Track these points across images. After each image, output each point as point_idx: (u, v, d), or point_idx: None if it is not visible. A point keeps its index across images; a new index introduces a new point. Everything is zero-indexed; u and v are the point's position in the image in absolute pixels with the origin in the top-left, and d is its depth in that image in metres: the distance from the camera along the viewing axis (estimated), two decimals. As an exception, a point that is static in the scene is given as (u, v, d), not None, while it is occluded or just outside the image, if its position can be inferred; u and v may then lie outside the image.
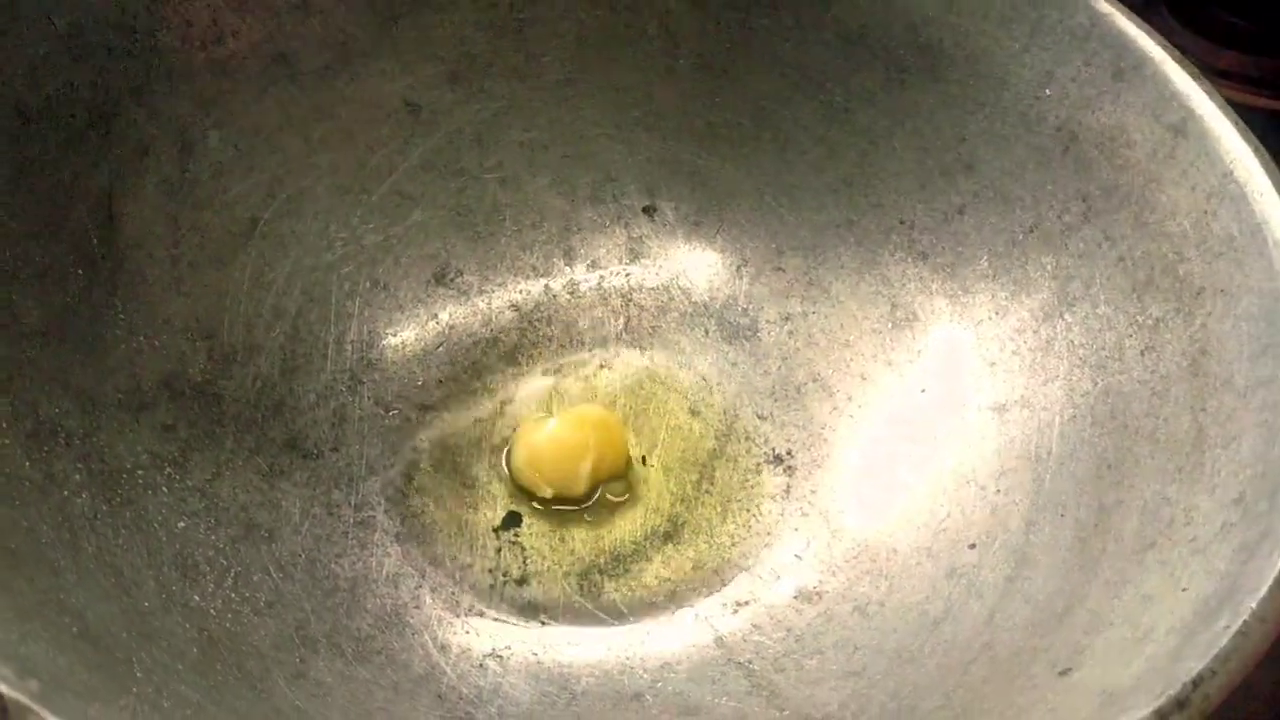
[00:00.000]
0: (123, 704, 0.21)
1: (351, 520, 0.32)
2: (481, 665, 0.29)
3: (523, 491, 0.33)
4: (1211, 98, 0.31)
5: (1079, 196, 0.33)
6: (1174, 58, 0.32)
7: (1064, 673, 0.24)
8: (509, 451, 0.34)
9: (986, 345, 0.34)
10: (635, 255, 0.39)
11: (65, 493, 0.27)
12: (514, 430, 0.35)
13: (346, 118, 0.36)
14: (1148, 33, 0.32)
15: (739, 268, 0.38)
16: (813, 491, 0.34)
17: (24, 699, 0.18)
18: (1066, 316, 0.33)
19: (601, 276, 0.39)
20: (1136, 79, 0.32)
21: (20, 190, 0.29)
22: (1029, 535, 0.30)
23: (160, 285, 0.32)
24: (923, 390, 0.35)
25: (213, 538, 0.29)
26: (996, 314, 0.34)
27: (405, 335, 0.36)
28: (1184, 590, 0.24)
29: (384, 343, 0.36)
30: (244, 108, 0.34)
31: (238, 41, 0.34)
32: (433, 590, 0.31)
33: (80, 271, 0.30)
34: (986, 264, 0.35)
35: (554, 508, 0.33)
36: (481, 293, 0.38)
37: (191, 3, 0.33)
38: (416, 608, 0.30)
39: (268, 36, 0.34)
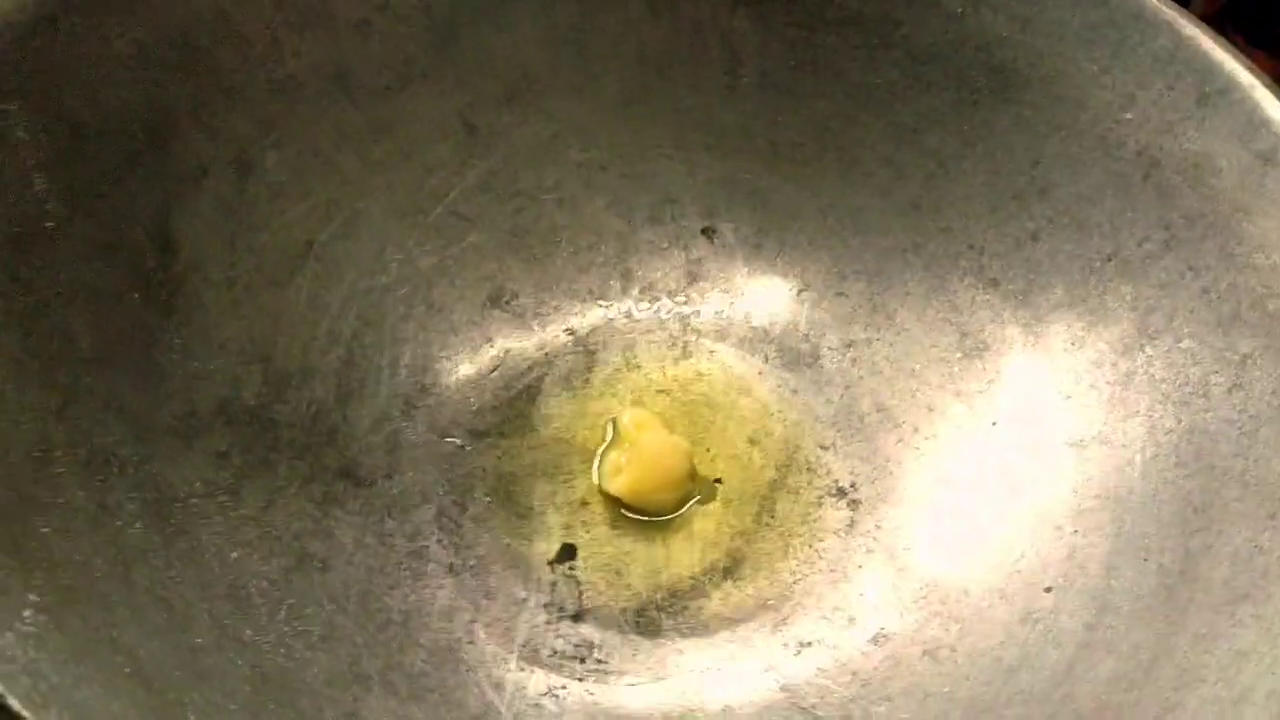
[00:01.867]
0: (176, 750, 0.21)
1: (404, 550, 0.31)
2: (538, 705, 0.28)
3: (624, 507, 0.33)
4: (1305, 125, 0.30)
5: (1161, 225, 0.32)
6: (1264, 83, 0.31)
7: (1155, 733, 0.23)
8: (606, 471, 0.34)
9: (1062, 378, 0.33)
10: (694, 278, 0.38)
11: (119, 523, 0.26)
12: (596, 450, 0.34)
13: (404, 138, 0.35)
14: (1235, 56, 0.31)
15: (800, 292, 0.37)
16: (878, 527, 0.33)
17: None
18: (1148, 350, 0.31)
19: (659, 300, 0.38)
20: (1223, 104, 0.31)
21: (77, 211, 0.29)
22: (1110, 580, 0.28)
23: (216, 308, 0.32)
24: (994, 423, 0.34)
25: (265, 568, 0.28)
26: (1073, 345, 0.33)
27: (460, 359, 0.35)
28: (1285, 649, 0.22)
29: (438, 367, 0.35)
30: (302, 128, 0.34)
31: (298, 61, 0.33)
32: (487, 625, 0.30)
33: (136, 295, 0.30)
34: (1062, 292, 0.34)
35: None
36: (537, 316, 0.37)
37: (252, 22, 0.32)
38: (471, 643, 0.30)
39: (327, 56, 0.34)
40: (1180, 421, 0.30)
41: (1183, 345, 0.31)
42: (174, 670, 0.23)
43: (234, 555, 0.28)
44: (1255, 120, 0.30)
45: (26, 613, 0.21)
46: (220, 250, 0.32)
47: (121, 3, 0.29)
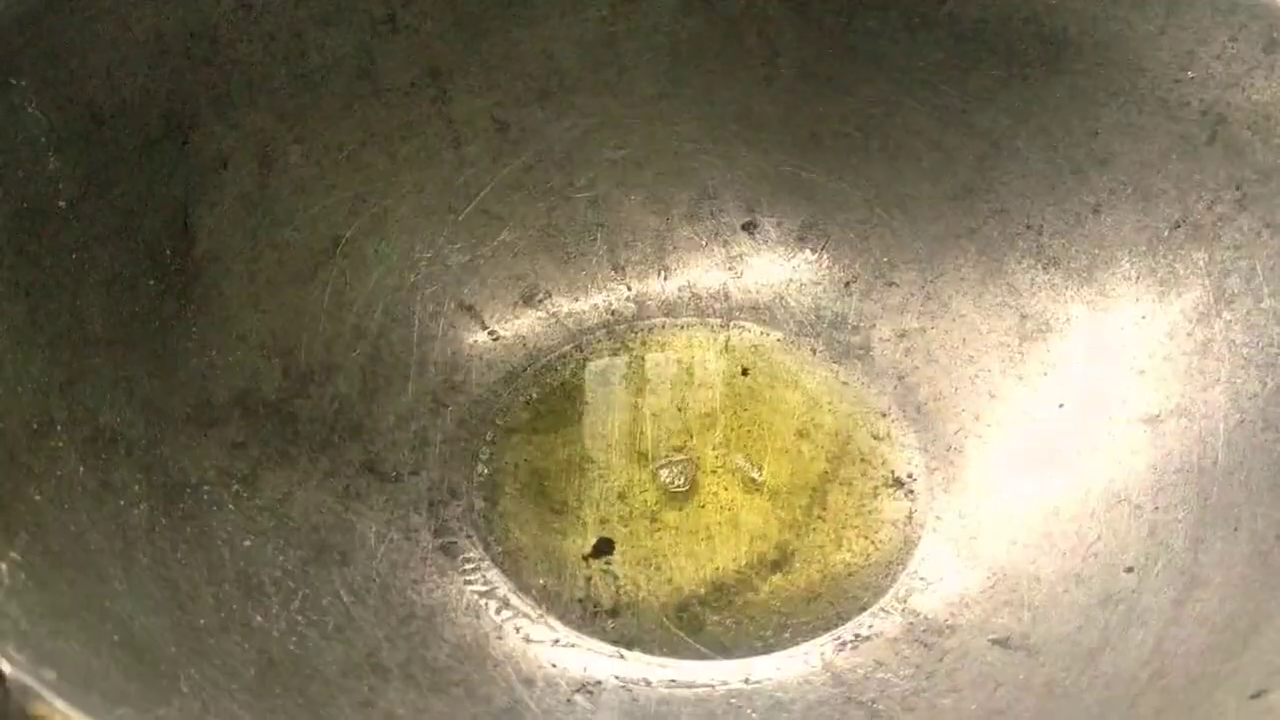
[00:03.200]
0: (161, 714, 0.19)
1: (430, 546, 0.29)
2: (569, 701, 0.26)
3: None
4: (1383, 61, 0.28)
5: (1231, 184, 0.30)
6: (1334, 22, 0.29)
7: (1258, 695, 0.20)
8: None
9: (1132, 352, 0.31)
10: (735, 274, 0.36)
11: (122, 502, 0.25)
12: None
13: (432, 136, 0.35)
14: (1302, -1, 0.29)
15: (848, 284, 0.35)
16: (938, 517, 0.31)
17: (31, 682, 0.16)
18: (1225, 314, 0.29)
19: (699, 297, 0.36)
20: (1293, 49, 0.29)
21: (90, 193, 0.28)
22: (1197, 554, 0.26)
23: (236, 301, 0.31)
24: (1061, 405, 0.31)
25: (280, 558, 0.27)
26: (1143, 318, 0.31)
27: (491, 357, 0.34)
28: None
29: (469, 365, 0.34)
30: (327, 123, 0.33)
31: (321, 56, 0.33)
32: (517, 621, 0.28)
33: (152, 282, 0.29)
34: (1128, 265, 0.32)
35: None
36: (571, 314, 0.35)
37: (275, 15, 0.32)
38: (499, 638, 0.28)
39: (352, 52, 0.33)
40: (1265, 385, 0.28)
41: (1264, 306, 0.29)
42: (170, 645, 0.22)
43: (246, 543, 0.27)
44: (1328, 61, 0.28)
45: (2, 565, 0.19)
46: (241, 243, 0.31)
47: (137, -15, 0.29)
